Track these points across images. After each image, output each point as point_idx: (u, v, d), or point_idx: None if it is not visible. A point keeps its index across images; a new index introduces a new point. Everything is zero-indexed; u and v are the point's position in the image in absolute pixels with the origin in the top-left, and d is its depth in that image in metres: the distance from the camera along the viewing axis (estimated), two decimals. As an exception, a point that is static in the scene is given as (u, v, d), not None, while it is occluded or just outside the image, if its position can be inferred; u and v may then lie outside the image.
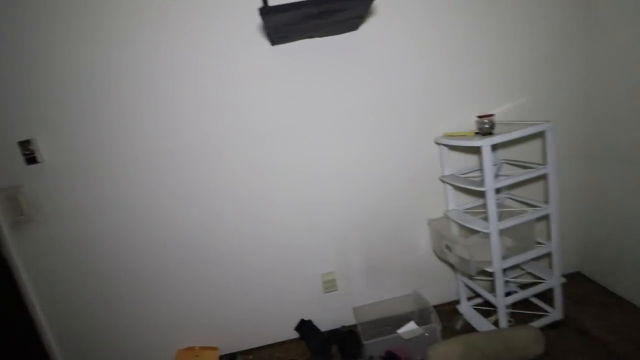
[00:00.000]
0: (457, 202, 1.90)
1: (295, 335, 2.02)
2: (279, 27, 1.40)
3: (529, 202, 1.78)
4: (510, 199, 1.92)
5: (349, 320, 2.03)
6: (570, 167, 2.02)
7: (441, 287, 2.12)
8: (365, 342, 1.71)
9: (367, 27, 1.72)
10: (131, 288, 1.88)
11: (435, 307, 2.14)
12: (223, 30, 1.65)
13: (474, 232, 1.72)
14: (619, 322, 1.78)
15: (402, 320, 1.94)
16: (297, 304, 2.01)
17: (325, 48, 1.72)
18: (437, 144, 1.84)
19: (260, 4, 1.24)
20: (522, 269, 1.98)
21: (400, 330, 1.87)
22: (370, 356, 1.73)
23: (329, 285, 1.99)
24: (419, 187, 1.94)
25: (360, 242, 1.97)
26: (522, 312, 1.92)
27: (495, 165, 1.89)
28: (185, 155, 1.76)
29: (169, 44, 1.64)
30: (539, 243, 1.75)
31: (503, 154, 1.92)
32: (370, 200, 1.92)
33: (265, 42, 1.67)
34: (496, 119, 1.84)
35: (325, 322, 2.04)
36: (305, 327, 1.96)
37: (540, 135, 1.67)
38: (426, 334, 1.79)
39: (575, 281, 2.17)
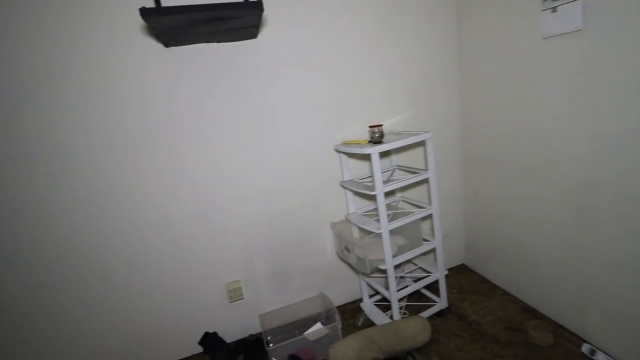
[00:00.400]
0: (356, 206, 2.02)
1: (200, 349, 1.94)
2: (167, 30, 1.35)
3: (417, 203, 1.98)
4: (404, 201, 2.11)
5: (256, 328, 2.01)
6: (450, 172, 2.30)
7: (346, 287, 2.23)
8: (268, 348, 1.72)
9: (268, 36, 1.75)
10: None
11: (341, 306, 2.26)
12: (109, 27, 1.53)
13: (370, 233, 1.85)
14: (491, 306, 2.07)
15: (310, 322, 2.00)
16: (200, 316, 1.92)
17: (224, 54, 1.70)
18: (337, 151, 1.95)
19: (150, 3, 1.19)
20: (415, 264, 2.19)
21: (307, 332, 1.92)
22: (272, 361, 1.73)
23: (235, 294, 1.95)
24: (323, 193, 2.02)
25: (266, 248, 1.98)
26: (416, 304, 2.12)
27: (389, 170, 2.07)
28: (61, 161, 1.58)
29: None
30: (426, 240, 1.95)
31: (397, 160, 2.11)
32: (275, 206, 1.95)
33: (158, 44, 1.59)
34: (388, 129, 2.03)
35: (231, 333, 1.99)
36: (209, 340, 1.89)
37: (422, 143, 1.87)
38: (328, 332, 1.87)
39: (460, 272, 2.47)
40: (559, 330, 1.79)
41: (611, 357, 1.55)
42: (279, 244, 2.00)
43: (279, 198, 1.94)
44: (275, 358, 1.76)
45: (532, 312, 1.95)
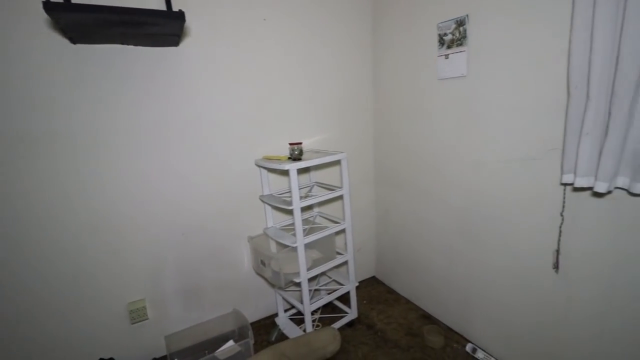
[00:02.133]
0: (274, 220, 2.06)
1: (92, 379, 1.73)
2: (74, 27, 1.25)
3: (332, 219, 2.09)
4: (321, 216, 2.21)
5: (162, 350, 1.88)
6: (365, 190, 2.49)
7: (262, 302, 2.22)
8: (173, 369, 1.61)
9: (191, 45, 1.72)
10: None
11: (256, 322, 2.23)
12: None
13: (286, 247, 1.89)
14: (394, 314, 2.25)
15: (222, 341, 1.93)
16: (95, 341, 1.72)
17: (141, 58, 1.62)
18: (257, 165, 1.98)
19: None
20: (329, 277, 2.28)
21: (218, 351, 1.85)
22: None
23: (138, 315, 1.80)
24: (241, 206, 2.01)
25: (177, 263, 1.88)
26: (329, 315, 2.20)
27: (308, 186, 2.16)
28: None
29: None
30: (339, 253, 2.06)
31: (316, 176, 2.21)
32: (190, 219, 1.87)
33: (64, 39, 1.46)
34: (308, 147, 2.13)
35: (132, 357, 1.82)
36: (104, 367, 1.70)
37: (338, 163, 2.00)
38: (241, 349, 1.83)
39: (370, 284, 2.64)
40: (449, 333, 2.03)
41: (489, 354, 1.81)
42: (192, 259, 1.92)
43: (195, 210, 1.88)
44: (181, 381, 1.66)
45: (428, 318, 2.18)
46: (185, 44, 1.71)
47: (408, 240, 2.29)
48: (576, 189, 1.31)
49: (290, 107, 2.07)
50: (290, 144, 1.82)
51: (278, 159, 1.85)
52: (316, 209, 2.25)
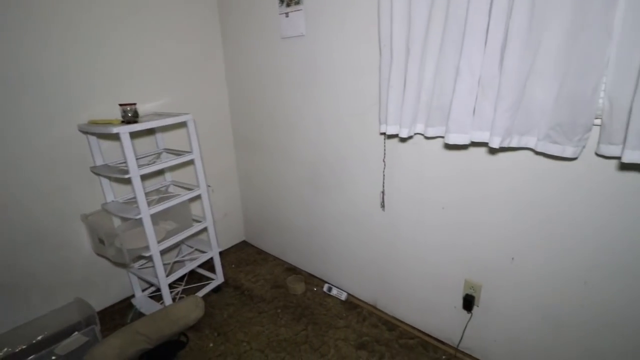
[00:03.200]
0: (115, 194, 1.83)
1: None
2: None
3: (187, 186, 1.98)
4: (175, 185, 2.07)
5: (-26, 365, 1.53)
6: (224, 155, 2.43)
7: (112, 285, 2.00)
8: (-13, 384, 1.34)
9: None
10: None
11: (111, 306, 2.02)
12: None
13: (134, 222, 1.71)
14: (262, 272, 2.33)
15: (65, 335, 1.67)
16: None
17: None
18: (82, 132, 1.69)
19: None
20: (191, 247, 2.20)
21: (58, 347, 1.61)
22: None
23: None
24: (67, 181, 1.71)
25: (-19, 258, 1.51)
26: (194, 285, 2.14)
27: (155, 153, 1.97)
28: None
29: None
30: (197, 221, 1.98)
31: (164, 143, 2.03)
32: (-8, 203, 1.50)
33: None
34: (151, 110, 1.92)
35: None
36: None
37: (185, 125, 1.86)
38: (86, 340, 1.63)
39: (240, 248, 2.66)
40: (310, 279, 2.22)
41: (342, 289, 2.05)
42: (3, 249, 1.56)
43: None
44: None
45: (293, 270, 2.34)
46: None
47: (271, 201, 2.35)
48: (389, 137, 1.53)
49: (125, 65, 1.80)
50: (121, 105, 1.59)
51: (109, 123, 1.61)
52: (169, 178, 2.08)
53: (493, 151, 1.26)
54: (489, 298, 1.45)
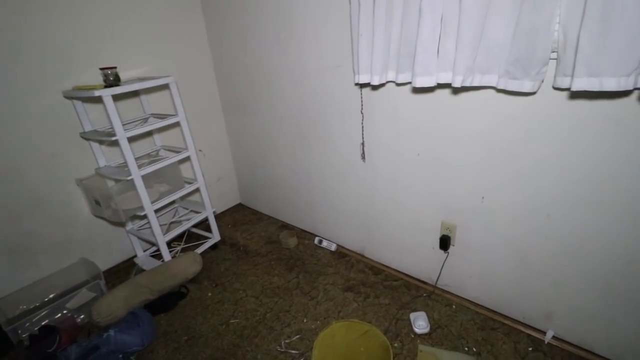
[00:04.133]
0: (108, 158, 1.90)
1: None
2: None
3: (176, 149, 2.04)
4: (165, 149, 2.13)
5: (-7, 318, 1.67)
6: (214, 119, 2.47)
7: (116, 246, 2.12)
8: (7, 329, 1.48)
9: None
10: None
11: (115, 266, 2.16)
12: None
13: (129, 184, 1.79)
14: (257, 230, 2.45)
15: (72, 292, 1.82)
16: None
17: None
18: (68, 98, 1.73)
19: None
20: (186, 209, 2.30)
21: (68, 303, 1.76)
22: (19, 340, 1.52)
23: (-56, 287, 1.54)
24: (60, 148, 1.78)
25: (-13, 222, 1.62)
26: (192, 244, 2.26)
27: (142, 118, 2.02)
28: None
29: None
30: (189, 182, 2.06)
31: (151, 108, 2.07)
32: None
33: None
34: (135, 75, 1.95)
35: (-48, 335, 1.58)
36: None
37: (167, 88, 1.88)
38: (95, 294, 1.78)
39: (236, 210, 2.77)
40: (302, 234, 2.33)
41: (331, 241, 2.16)
42: (6, 215, 1.67)
43: (-6, 159, 1.59)
44: (25, 335, 1.54)
45: (286, 227, 2.45)
46: None
47: (262, 162, 2.42)
48: (363, 86, 1.57)
49: (107, 33, 1.81)
50: (102, 68, 1.62)
51: (92, 88, 1.65)
52: (159, 142, 2.15)
53: (457, 91, 1.30)
54: (463, 237, 1.54)
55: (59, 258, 1.88)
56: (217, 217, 2.37)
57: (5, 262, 1.70)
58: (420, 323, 1.49)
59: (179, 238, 2.33)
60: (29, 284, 1.77)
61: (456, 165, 1.44)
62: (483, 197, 1.41)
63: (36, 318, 1.66)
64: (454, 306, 1.63)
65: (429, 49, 1.17)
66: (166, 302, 1.79)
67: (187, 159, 2.00)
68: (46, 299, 1.80)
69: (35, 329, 1.58)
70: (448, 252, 1.62)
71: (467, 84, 1.14)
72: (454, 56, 1.12)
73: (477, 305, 1.62)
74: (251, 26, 1.97)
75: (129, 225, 2.08)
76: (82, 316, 1.73)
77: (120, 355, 1.44)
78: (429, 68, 1.20)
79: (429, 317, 1.55)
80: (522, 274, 1.43)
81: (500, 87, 1.14)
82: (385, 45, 1.33)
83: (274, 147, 2.25)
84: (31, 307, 1.76)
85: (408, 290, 1.77)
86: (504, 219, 1.39)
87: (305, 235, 2.31)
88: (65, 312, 1.74)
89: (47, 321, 1.65)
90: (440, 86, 1.31)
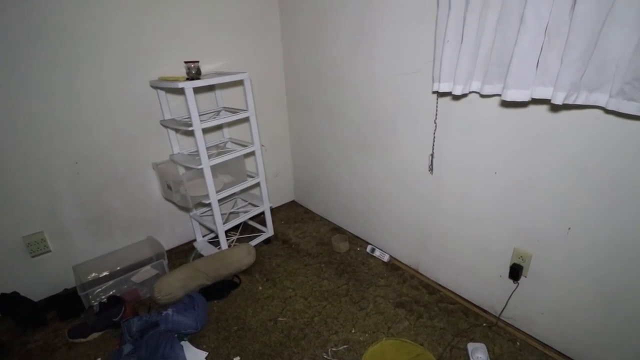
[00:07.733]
0: (181, 146, 2.02)
1: (-6, 314, 1.68)
2: None
3: (242, 143, 2.11)
4: (232, 142, 2.21)
5: (72, 282, 1.86)
6: (278, 115, 2.52)
7: (178, 229, 2.25)
8: (81, 294, 1.63)
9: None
10: None
11: (175, 248, 2.29)
12: None
13: (197, 172, 1.89)
14: (309, 230, 2.45)
15: (138, 267, 1.96)
16: (-9, 278, 1.65)
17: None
18: (153, 87, 1.86)
19: None
20: (245, 201, 2.37)
21: (133, 276, 1.90)
22: (90, 306, 1.66)
23: (37, 248, 1.73)
24: (141, 132, 1.92)
25: (74, 194, 1.79)
26: (247, 236, 2.32)
27: (215, 111, 2.12)
28: None
29: None
30: (251, 176, 2.12)
31: (224, 102, 2.16)
32: (80, 145, 1.75)
33: None
34: (212, 70, 2.04)
35: (39, 290, 1.79)
36: (5, 301, 1.65)
37: (242, 84, 1.94)
38: (157, 272, 1.89)
39: (290, 207, 2.80)
40: (354, 239, 2.29)
41: (384, 251, 2.09)
42: (91, 188, 1.84)
43: (87, 137, 1.76)
44: (95, 302, 1.69)
45: (337, 230, 2.42)
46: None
47: (319, 161, 2.42)
48: (441, 95, 1.47)
49: (188, 27, 1.92)
50: (186, 62, 1.72)
51: (176, 79, 1.75)
52: (227, 135, 2.23)
53: (556, 109, 1.16)
54: (539, 268, 1.39)
55: (131, 234, 2.04)
56: (271, 211, 2.41)
57: (86, 231, 1.88)
58: (479, 356, 1.37)
59: (235, 228, 2.41)
60: (102, 254, 1.94)
61: (541, 188, 1.29)
62: (569, 228, 1.26)
63: (105, 286, 1.82)
64: (518, 343, 1.48)
65: (528, 60, 1.06)
66: (220, 289, 1.86)
67: (252, 153, 2.05)
68: (115, 270, 1.96)
69: (104, 297, 1.72)
70: (518, 283, 1.48)
71: (570, 101, 1.02)
72: (558, 70, 1.00)
73: (545, 346, 1.45)
74: (326, 24, 1.96)
75: (193, 211, 2.19)
76: (144, 291, 1.86)
77: (176, 335, 1.51)
78: (524, 81, 1.09)
79: (489, 351, 1.42)
80: (607, 322, 1.25)
81: (611, 107, 0.99)
82: (473, 53, 1.24)
83: (334, 148, 2.23)
84: (101, 275, 1.93)
85: (466, 316, 1.64)
86: (593, 257, 1.22)
87: (356, 242, 2.27)
88: (130, 285, 1.88)
89: (114, 291, 1.79)
90: (535, 101, 1.18)
